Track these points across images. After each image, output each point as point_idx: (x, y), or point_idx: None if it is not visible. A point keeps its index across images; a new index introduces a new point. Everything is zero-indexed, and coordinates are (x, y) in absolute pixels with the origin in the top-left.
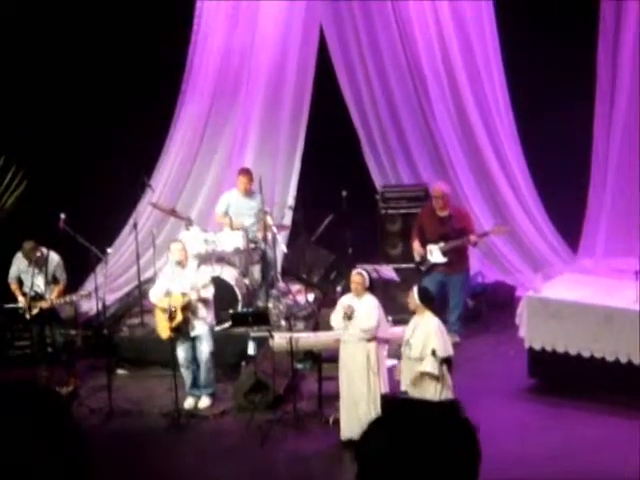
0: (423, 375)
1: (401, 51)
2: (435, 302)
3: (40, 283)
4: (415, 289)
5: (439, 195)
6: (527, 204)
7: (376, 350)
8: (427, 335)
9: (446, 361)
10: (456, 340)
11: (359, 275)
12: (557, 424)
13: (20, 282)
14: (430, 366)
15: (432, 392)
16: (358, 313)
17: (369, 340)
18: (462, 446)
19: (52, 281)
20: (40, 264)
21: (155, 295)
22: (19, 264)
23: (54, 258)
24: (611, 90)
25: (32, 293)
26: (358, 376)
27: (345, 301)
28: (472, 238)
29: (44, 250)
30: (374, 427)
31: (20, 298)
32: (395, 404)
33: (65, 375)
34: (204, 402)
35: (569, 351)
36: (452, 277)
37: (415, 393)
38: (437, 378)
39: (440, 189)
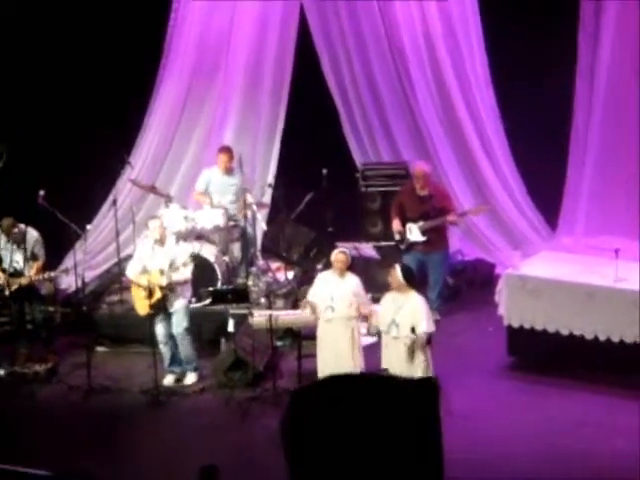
0: (412, 353)
1: (382, 29)
2: (416, 280)
3: (19, 259)
4: (398, 267)
5: (420, 175)
6: (507, 182)
7: (358, 327)
8: (414, 313)
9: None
10: (436, 318)
11: (342, 254)
12: (536, 401)
13: None
14: (421, 345)
15: (420, 370)
16: (339, 292)
17: (352, 318)
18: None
19: (31, 257)
20: (19, 240)
21: (132, 272)
22: None
23: (33, 234)
24: (591, 68)
25: (11, 269)
26: (343, 355)
27: (324, 279)
28: (450, 217)
29: (22, 226)
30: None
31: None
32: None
33: (44, 352)
34: (190, 378)
35: (548, 329)
36: (431, 256)
37: (400, 371)
38: (424, 355)
39: (421, 169)
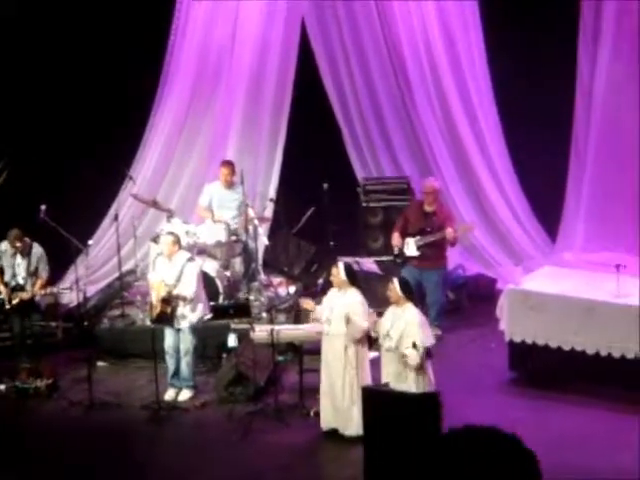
0: (405, 367)
1: (383, 44)
2: (414, 294)
3: (22, 273)
4: (396, 281)
5: (430, 191)
6: (508, 197)
7: (356, 344)
8: (407, 326)
9: (426, 352)
10: (438, 333)
11: (334, 268)
12: (537, 417)
13: (1, 272)
14: (413, 359)
15: (413, 384)
16: (337, 307)
17: (346, 334)
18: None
19: (34, 273)
20: (24, 253)
21: (152, 276)
22: (1, 253)
23: (38, 250)
24: (590, 85)
25: (13, 283)
26: (335, 369)
27: (330, 296)
28: (449, 231)
29: (27, 240)
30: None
31: (0, 288)
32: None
33: (42, 367)
34: (184, 394)
35: (549, 344)
36: (427, 274)
37: (396, 383)
38: (420, 369)
39: (432, 185)
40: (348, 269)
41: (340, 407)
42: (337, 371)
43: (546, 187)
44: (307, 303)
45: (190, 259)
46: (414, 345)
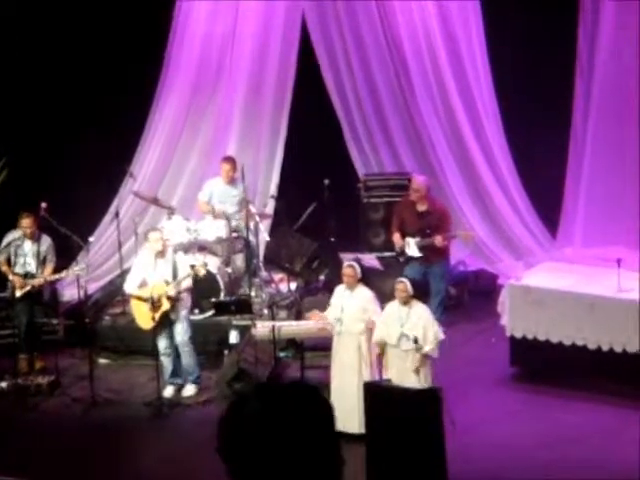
0: (422, 363)
1: (383, 39)
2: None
3: (31, 262)
4: (406, 280)
5: (416, 188)
6: (509, 192)
7: (367, 341)
8: (424, 322)
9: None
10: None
11: (350, 268)
12: (538, 412)
13: (9, 263)
14: (434, 351)
15: (421, 380)
16: (349, 306)
17: (361, 332)
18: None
19: (43, 261)
20: (33, 239)
21: (131, 286)
22: (12, 242)
23: (47, 239)
24: (589, 79)
25: (22, 272)
26: (350, 368)
27: (337, 294)
28: (438, 240)
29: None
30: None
31: (10, 276)
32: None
33: (36, 358)
34: (189, 390)
35: (550, 339)
36: (432, 267)
37: (408, 382)
38: (425, 365)
39: (418, 182)
40: (413, 283)
41: (348, 406)
42: (352, 370)
43: (547, 182)
44: (315, 315)
45: (175, 250)
46: (416, 341)
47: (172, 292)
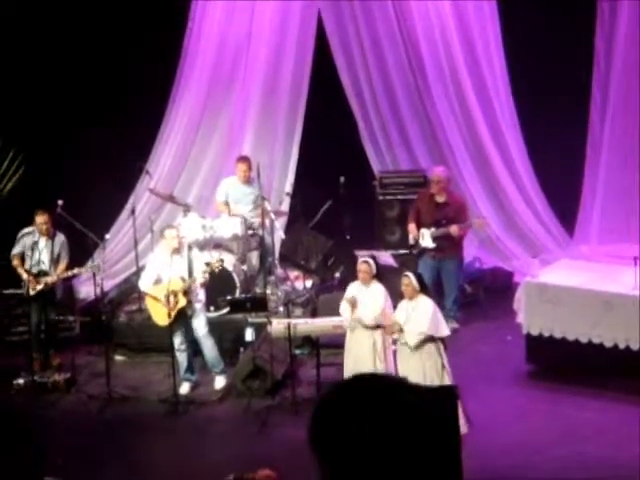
0: (421, 360)
1: (399, 36)
2: (429, 288)
3: (45, 259)
4: (412, 275)
5: (436, 179)
6: (525, 189)
7: (382, 337)
8: (421, 316)
9: (442, 343)
10: (454, 326)
11: (365, 264)
12: (555, 409)
13: (22, 260)
14: (411, 339)
15: (435, 377)
16: (364, 301)
17: (375, 328)
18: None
19: (56, 259)
20: (48, 236)
21: (146, 284)
22: (26, 239)
23: (60, 237)
24: (606, 77)
25: (36, 270)
26: (364, 363)
27: (351, 290)
28: (453, 229)
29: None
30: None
31: (23, 275)
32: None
33: (52, 359)
34: (219, 382)
35: (567, 337)
36: (445, 263)
37: (413, 378)
38: (440, 363)
39: (438, 174)
40: (420, 278)
41: None
42: (367, 367)
43: (563, 179)
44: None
45: (189, 247)
46: (401, 330)
47: (187, 287)
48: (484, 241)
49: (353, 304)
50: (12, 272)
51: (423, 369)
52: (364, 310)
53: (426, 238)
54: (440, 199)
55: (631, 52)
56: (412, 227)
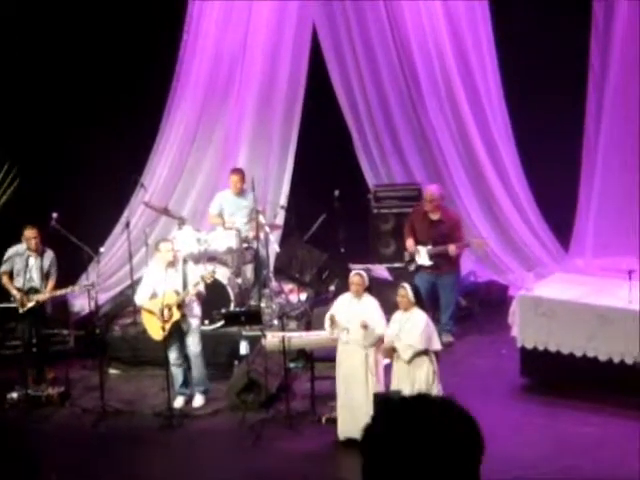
0: (415, 373)
1: (394, 50)
2: (424, 301)
3: (35, 277)
4: (407, 286)
5: (429, 198)
6: (520, 203)
7: (374, 351)
8: (412, 329)
9: (435, 353)
10: (450, 340)
11: (358, 276)
12: (549, 423)
13: (11, 277)
14: (404, 354)
15: (426, 389)
16: (359, 316)
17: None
18: (464, 438)
19: (46, 275)
20: (38, 253)
21: (142, 298)
22: (16, 259)
23: (50, 254)
24: (600, 92)
25: (26, 287)
26: (355, 377)
27: (342, 302)
28: (451, 248)
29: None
30: (376, 423)
31: (13, 292)
32: (391, 401)
33: (46, 374)
34: (197, 401)
35: (561, 350)
36: (442, 278)
37: (404, 389)
38: (432, 375)
39: (431, 192)
40: (416, 290)
41: (361, 416)
42: (359, 380)
43: (558, 193)
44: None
45: (184, 260)
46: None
47: (181, 301)
48: (479, 255)
49: (332, 321)
50: (2, 288)
51: (413, 378)
52: (355, 324)
53: (422, 256)
54: (434, 217)
55: (627, 54)
56: (410, 243)
